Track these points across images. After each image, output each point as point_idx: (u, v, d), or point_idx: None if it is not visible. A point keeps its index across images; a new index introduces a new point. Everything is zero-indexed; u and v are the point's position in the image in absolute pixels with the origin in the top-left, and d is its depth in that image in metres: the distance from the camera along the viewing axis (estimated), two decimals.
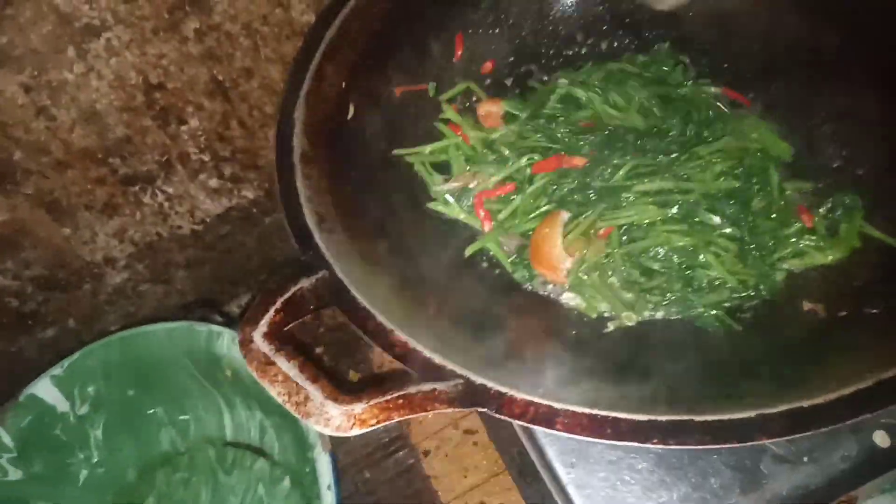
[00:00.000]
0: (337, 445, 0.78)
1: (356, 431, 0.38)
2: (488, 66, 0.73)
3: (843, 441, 0.58)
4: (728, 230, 0.58)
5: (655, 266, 0.59)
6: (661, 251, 0.58)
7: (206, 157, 0.88)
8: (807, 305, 0.52)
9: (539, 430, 0.60)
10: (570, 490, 0.57)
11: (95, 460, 0.83)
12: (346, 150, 0.58)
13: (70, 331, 0.95)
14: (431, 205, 0.65)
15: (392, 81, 0.66)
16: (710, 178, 0.59)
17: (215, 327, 0.76)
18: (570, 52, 0.75)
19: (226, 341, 0.76)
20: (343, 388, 0.40)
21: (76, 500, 0.81)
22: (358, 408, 0.39)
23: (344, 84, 0.61)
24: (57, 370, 0.78)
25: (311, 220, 0.50)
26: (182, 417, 0.87)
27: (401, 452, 0.92)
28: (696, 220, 0.58)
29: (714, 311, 0.56)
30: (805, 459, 0.57)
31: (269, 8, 0.78)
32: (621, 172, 0.59)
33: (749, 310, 0.55)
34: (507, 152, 0.66)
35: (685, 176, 0.60)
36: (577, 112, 0.66)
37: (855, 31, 0.62)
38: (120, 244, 0.89)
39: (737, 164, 0.60)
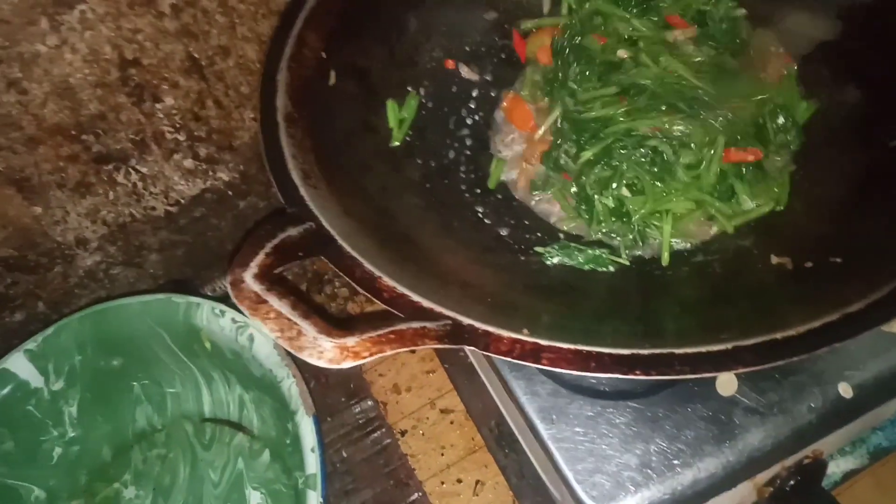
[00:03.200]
0: None
1: (349, 364, 0.39)
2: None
3: (810, 393, 0.61)
4: None
5: None
6: None
7: (181, 137, 0.87)
8: (775, 259, 0.55)
9: (519, 389, 0.61)
10: (551, 445, 0.59)
11: (69, 438, 0.80)
12: (329, 114, 0.59)
13: (39, 315, 0.93)
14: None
15: (370, 53, 0.67)
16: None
17: (193, 298, 0.75)
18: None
19: (205, 313, 0.74)
20: (335, 324, 0.40)
21: (49, 479, 0.79)
22: (350, 341, 0.39)
23: (324, 53, 0.62)
24: (31, 344, 0.76)
25: (296, 176, 0.51)
26: (159, 393, 0.85)
27: (378, 432, 0.92)
28: None
29: None
30: (774, 410, 0.60)
31: None
32: None
33: (720, 264, 0.58)
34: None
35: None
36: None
37: None
38: (92, 225, 0.88)
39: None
